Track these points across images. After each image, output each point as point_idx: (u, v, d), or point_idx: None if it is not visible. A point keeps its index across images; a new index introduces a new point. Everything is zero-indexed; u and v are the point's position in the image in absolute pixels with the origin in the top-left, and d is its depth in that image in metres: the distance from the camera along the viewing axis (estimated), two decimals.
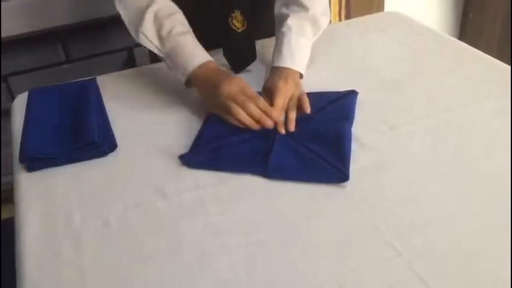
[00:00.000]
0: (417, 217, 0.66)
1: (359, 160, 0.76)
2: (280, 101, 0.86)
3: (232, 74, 0.90)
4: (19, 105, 0.95)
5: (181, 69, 0.90)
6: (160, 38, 0.91)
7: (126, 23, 0.94)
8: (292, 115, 0.85)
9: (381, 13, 1.62)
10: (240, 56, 1.03)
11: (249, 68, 1.03)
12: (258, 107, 0.83)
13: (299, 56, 0.95)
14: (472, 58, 1.05)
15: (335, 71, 1.00)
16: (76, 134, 0.82)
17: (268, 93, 0.90)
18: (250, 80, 0.91)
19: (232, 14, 0.97)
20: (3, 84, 1.66)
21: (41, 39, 1.62)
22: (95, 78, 0.99)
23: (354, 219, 0.66)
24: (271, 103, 0.86)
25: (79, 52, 1.71)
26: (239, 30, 0.99)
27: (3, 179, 1.74)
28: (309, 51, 0.98)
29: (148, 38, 0.92)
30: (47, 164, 0.78)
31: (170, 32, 0.91)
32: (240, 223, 0.67)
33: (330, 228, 0.65)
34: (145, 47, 0.94)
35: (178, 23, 0.93)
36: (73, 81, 1.01)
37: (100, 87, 0.97)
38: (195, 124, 0.87)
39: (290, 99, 0.88)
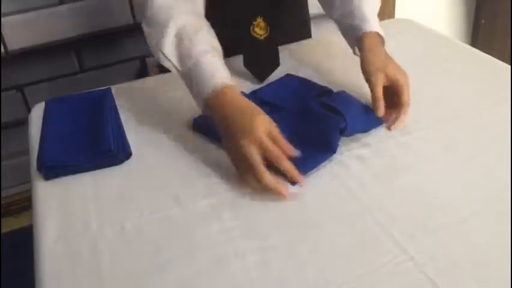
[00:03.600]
0: (430, 222, 0.66)
1: (371, 165, 0.77)
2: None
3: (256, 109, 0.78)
4: (36, 115, 0.97)
5: (199, 93, 0.82)
6: (180, 58, 0.85)
7: (147, 39, 0.89)
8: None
9: (392, 20, 1.63)
10: (263, 64, 1.01)
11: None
12: (284, 168, 0.73)
13: (378, 22, 0.94)
14: (484, 64, 1.05)
15: (347, 77, 1.01)
16: (92, 142, 0.83)
17: (388, 80, 0.85)
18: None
19: (254, 22, 0.96)
20: (18, 94, 1.69)
21: (55, 49, 1.65)
22: (110, 87, 1.01)
23: (367, 224, 0.67)
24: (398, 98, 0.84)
25: (93, 62, 1.73)
26: (261, 38, 0.97)
27: (22, 188, 1.76)
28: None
29: (167, 56, 0.86)
30: (64, 172, 0.80)
31: (189, 51, 0.83)
32: (253, 229, 0.68)
33: (343, 233, 0.66)
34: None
35: (201, 42, 0.85)
36: (89, 90, 1.02)
37: (115, 97, 0.99)
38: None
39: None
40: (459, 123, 0.86)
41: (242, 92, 0.87)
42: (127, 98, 1.00)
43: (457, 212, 0.68)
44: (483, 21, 2.20)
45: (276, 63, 1.02)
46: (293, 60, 0.99)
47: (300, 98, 0.90)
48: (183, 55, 0.84)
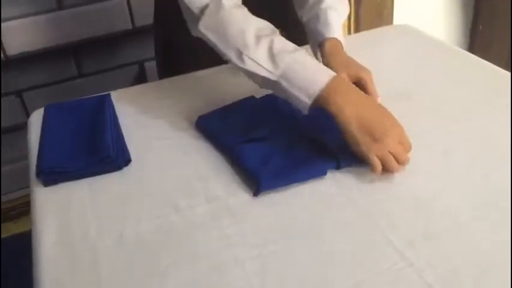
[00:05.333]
0: (429, 228, 0.67)
1: (371, 170, 0.77)
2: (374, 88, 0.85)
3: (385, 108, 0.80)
4: (35, 121, 0.97)
5: (307, 87, 0.77)
6: (272, 58, 0.78)
7: (221, 48, 0.82)
8: None
9: (390, 26, 1.64)
10: None
11: None
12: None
13: (340, 30, 0.96)
14: (481, 70, 1.06)
15: None
16: (91, 148, 0.83)
17: (351, 78, 0.86)
18: None
19: None
20: (17, 99, 1.69)
21: (54, 54, 1.65)
22: (109, 93, 1.01)
23: (367, 230, 0.67)
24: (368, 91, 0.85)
25: (92, 67, 1.73)
26: None
27: (22, 192, 1.76)
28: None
29: (256, 60, 0.79)
30: (63, 178, 0.80)
31: (281, 49, 0.79)
32: (252, 235, 0.68)
33: (342, 239, 0.66)
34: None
35: (285, 40, 0.81)
36: (88, 96, 1.02)
37: (114, 102, 0.99)
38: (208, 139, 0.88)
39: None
40: (457, 128, 0.86)
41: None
42: (126, 103, 1.01)
43: (457, 217, 0.68)
44: (480, 27, 2.21)
45: None
46: None
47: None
48: (274, 56, 0.79)
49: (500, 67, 1.05)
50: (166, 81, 1.11)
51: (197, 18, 0.83)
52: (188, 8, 0.84)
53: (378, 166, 0.74)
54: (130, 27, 1.66)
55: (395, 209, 0.70)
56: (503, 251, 0.62)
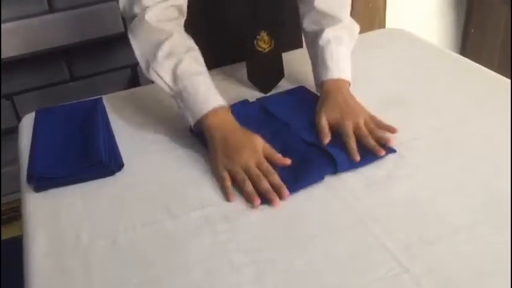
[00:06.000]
0: (425, 233, 0.66)
1: (366, 176, 0.76)
2: (353, 143, 0.81)
3: (250, 133, 0.83)
4: (26, 126, 0.96)
5: (192, 111, 0.85)
6: (174, 76, 0.86)
7: (137, 55, 0.89)
8: (372, 145, 0.80)
9: (383, 29, 1.64)
10: (269, 76, 1.02)
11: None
12: (271, 183, 0.75)
13: (344, 65, 0.94)
14: (474, 73, 1.06)
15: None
16: (83, 153, 0.82)
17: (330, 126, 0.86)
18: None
19: (258, 37, 0.96)
20: (7, 103, 1.67)
21: (45, 58, 1.63)
22: (101, 97, 1.00)
23: (362, 236, 0.67)
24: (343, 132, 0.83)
25: (83, 70, 1.72)
26: (266, 51, 0.98)
27: (13, 197, 1.74)
28: (349, 59, 0.96)
29: (160, 74, 0.87)
30: (55, 184, 0.79)
31: (184, 70, 0.86)
32: (247, 241, 0.67)
33: (338, 245, 0.66)
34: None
35: (194, 62, 0.88)
36: (80, 100, 1.02)
37: (106, 106, 0.98)
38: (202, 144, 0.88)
39: (358, 127, 0.83)
40: (451, 132, 0.86)
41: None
42: (118, 107, 1.00)
43: (453, 222, 0.68)
44: (472, 31, 2.22)
45: (281, 74, 1.03)
46: (297, 67, 1.00)
47: (304, 116, 0.90)
48: (176, 75, 0.86)
49: (492, 70, 1.05)
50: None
51: (128, 22, 0.91)
52: (124, 11, 0.91)
53: (226, 180, 0.77)
54: (123, 30, 1.65)
55: (390, 214, 0.70)
56: (501, 256, 0.62)
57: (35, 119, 0.95)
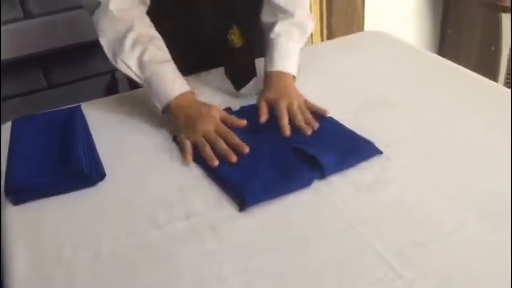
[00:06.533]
0: (415, 236, 0.65)
1: (354, 180, 0.76)
2: (285, 119, 0.86)
3: (211, 104, 0.89)
4: (3, 135, 0.93)
5: (160, 97, 0.90)
6: (140, 65, 0.91)
7: (104, 47, 0.93)
8: (301, 123, 0.85)
9: (363, 32, 1.64)
10: (240, 73, 1.03)
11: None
12: (230, 143, 0.82)
13: (289, 59, 0.98)
14: (453, 73, 1.07)
15: (321, 92, 1.00)
16: (63, 163, 0.80)
17: (269, 106, 0.90)
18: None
19: (231, 31, 0.99)
20: None
21: (20, 65, 1.60)
22: (80, 105, 0.98)
23: (353, 241, 0.66)
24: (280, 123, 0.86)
25: (61, 77, 1.69)
26: (238, 46, 1.00)
27: None
28: (297, 55, 1.00)
29: (127, 64, 0.91)
30: (34, 196, 0.76)
31: (150, 59, 0.90)
32: (235, 250, 0.66)
33: (328, 251, 0.64)
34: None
35: (158, 50, 0.92)
36: (58, 108, 0.99)
37: (85, 114, 0.95)
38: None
39: (291, 108, 0.88)
40: (436, 133, 0.86)
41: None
42: (98, 115, 0.97)
43: (442, 223, 0.67)
44: (449, 32, 2.25)
45: (252, 73, 1.03)
46: None
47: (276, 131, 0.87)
48: (143, 63, 0.90)
49: (469, 69, 1.06)
50: (138, 92, 1.08)
51: (91, 11, 0.93)
52: (86, 1, 0.94)
53: (186, 146, 0.83)
54: None
55: (380, 218, 0.69)
56: (497, 256, 0.61)
57: (12, 128, 0.92)
